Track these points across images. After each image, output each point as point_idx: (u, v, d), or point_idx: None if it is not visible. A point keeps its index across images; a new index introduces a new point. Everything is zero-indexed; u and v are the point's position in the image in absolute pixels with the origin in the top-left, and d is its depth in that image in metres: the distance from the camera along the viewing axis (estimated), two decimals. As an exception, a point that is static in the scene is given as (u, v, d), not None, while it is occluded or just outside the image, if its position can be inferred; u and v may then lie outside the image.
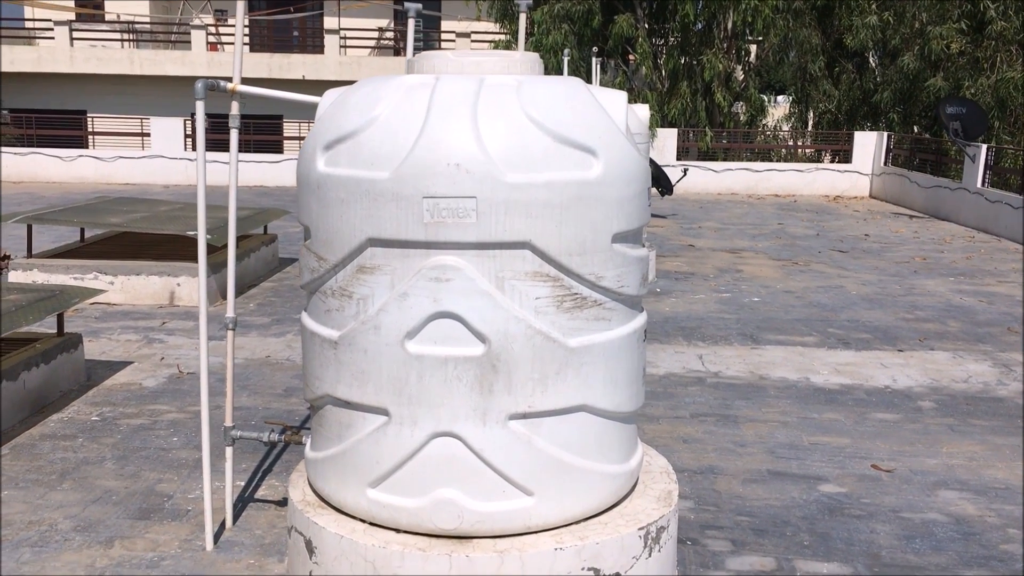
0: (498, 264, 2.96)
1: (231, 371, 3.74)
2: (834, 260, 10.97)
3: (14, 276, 7.69)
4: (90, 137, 20.23)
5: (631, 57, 21.31)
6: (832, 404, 5.66)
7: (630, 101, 18.12)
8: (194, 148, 19.30)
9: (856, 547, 3.83)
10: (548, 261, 2.99)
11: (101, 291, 5.59)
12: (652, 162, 15.03)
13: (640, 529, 3.21)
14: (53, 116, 21.29)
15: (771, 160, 20.60)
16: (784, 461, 4.74)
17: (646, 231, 11.74)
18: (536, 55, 3.34)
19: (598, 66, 11.03)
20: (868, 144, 18.99)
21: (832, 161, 20.18)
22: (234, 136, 3.55)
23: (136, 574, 3.43)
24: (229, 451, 3.78)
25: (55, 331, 5.54)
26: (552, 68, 16.70)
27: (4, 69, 26.16)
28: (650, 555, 3.26)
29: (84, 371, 5.64)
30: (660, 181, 14.77)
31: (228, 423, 3.75)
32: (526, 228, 2.94)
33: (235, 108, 3.52)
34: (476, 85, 3.03)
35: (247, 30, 27.86)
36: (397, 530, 3.14)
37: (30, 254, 7.95)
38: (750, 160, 20.26)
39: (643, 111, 9.23)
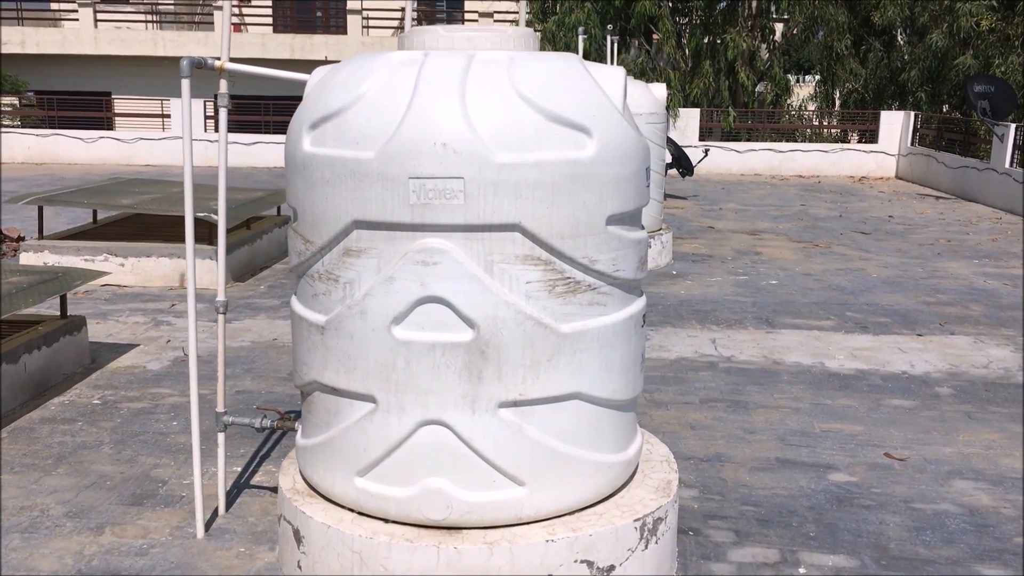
0: (487, 247, 2.86)
1: (223, 356, 3.67)
2: (856, 242, 10.77)
3: (25, 258, 7.68)
4: (115, 119, 20.28)
5: (655, 36, 21.05)
6: (846, 390, 5.52)
7: (652, 81, 17.94)
8: (216, 129, 19.32)
9: (864, 539, 3.71)
10: (539, 244, 2.88)
11: (103, 273, 5.54)
12: (672, 143, 14.84)
13: (636, 520, 3.12)
14: (78, 97, 21.31)
15: (795, 140, 20.30)
16: (794, 449, 4.62)
17: (664, 212, 11.59)
18: (530, 30, 3.22)
19: (615, 44, 10.83)
20: (895, 124, 18.65)
21: (859, 141, 19.85)
22: (223, 115, 3.47)
23: (123, 562, 3.38)
24: (221, 437, 3.71)
25: (59, 314, 5.49)
26: (574, 48, 16.49)
27: (29, 51, 26.27)
28: (646, 547, 3.16)
29: (88, 354, 5.60)
30: (681, 162, 14.59)
31: (220, 409, 3.68)
32: (516, 210, 2.83)
33: (223, 87, 3.43)
34: (465, 61, 2.92)
35: (270, 11, 27.82)
36: (386, 520, 3.07)
37: (41, 236, 7.94)
38: (774, 140, 19.97)
39: (660, 90, 9.07)
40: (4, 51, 26.43)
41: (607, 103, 3.01)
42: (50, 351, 5.16)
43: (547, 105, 2.85)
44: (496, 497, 3.00)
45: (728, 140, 19.70)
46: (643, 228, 3.31)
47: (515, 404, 2.95)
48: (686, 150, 16.69)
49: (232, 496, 3.92)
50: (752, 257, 9.71)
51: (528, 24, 20.24)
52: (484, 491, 2.99)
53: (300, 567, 3.19)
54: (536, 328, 2.92)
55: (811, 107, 22.45)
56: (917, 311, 7.47)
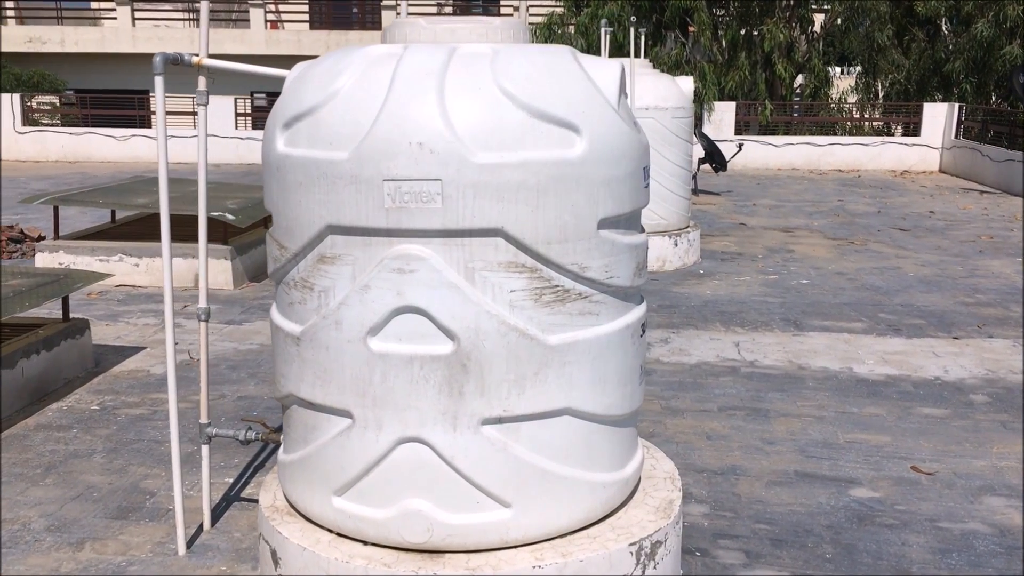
0: (467, 253, 2.67)
1: (205, 365, 3.53)
2: (894, 239, 10.42)
3: (40, 258, 7.63)
4: (151, 116, 20.37)
5: (690, 28, 20.69)
6: (875, 397, 5.26)
7: (686, 74, 17.63)
8: (249, 127, 19.32)
9: (884, 561, 3.47)
10: (524, 250, 2.69)
11: (106, 275, 5.44)
12: (705, 137, 14.54)
13: (632, 544, 2.91)
14: (116, 96, 21.44)
15: (835, 134, 19.84)
16: (815, 461, 4.38)
17: (695, 209, 11.33)
18: (519, 21, 3.03)
19: (641, 36, 10.57)
20: (938, 116, 18.16)
21: (904, 134, 19.34)
22: (202, 114, 3.31)
23: (100, 580, 3.25)
24: (205, 449, 3.57)
25: (61, 317, 5.40)
26: (612, 42, 16.20)
27: (69, 50, 26.54)
28: (644, 572, 2.96)
29: (92, 357, 5.51)
30: (714, 157, 14.28)
31: (204, 420, 3.54)
32: (498, 213, 2.64)
33: (202, 84, 3.27)
34: (446, 55, 2.73)
35: (306, 7, 27.84)
36: (364, 543, 2.89)
37: (57, 236, 7.88)
38: (813, 134, 19.54)
39: (686, 84, 8.81)
40: (44, 50, 26.75)
41: (599, 99, 2.80)
42: (50, 355, 5.06)
43: (532, 101, 2.66)
44: (480, 519, 2.81)
45: (765, 134, 19.32)
46: (642, 231, 3.10)
47: (499, 421, 2.76)
48: (721, 144, 16.37)
49: (221, 509, 3.78)
50: (784, 255, 9.42)
51: (561, 17, 20.00)
52: (467, 513, 2.80)
53: (279, 589, 3.03)
54: (521, 340, 2.72)
55: (851, 100, 21.93)
56: (954, 312, 7.15)
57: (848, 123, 20.92)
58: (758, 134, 19.27)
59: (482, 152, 2.60)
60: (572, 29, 19.95)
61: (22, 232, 9.01)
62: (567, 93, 2.73)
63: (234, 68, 3.30)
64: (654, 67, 18.16)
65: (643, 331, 3.11)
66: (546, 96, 2.68)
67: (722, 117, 18.55)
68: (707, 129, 18.38)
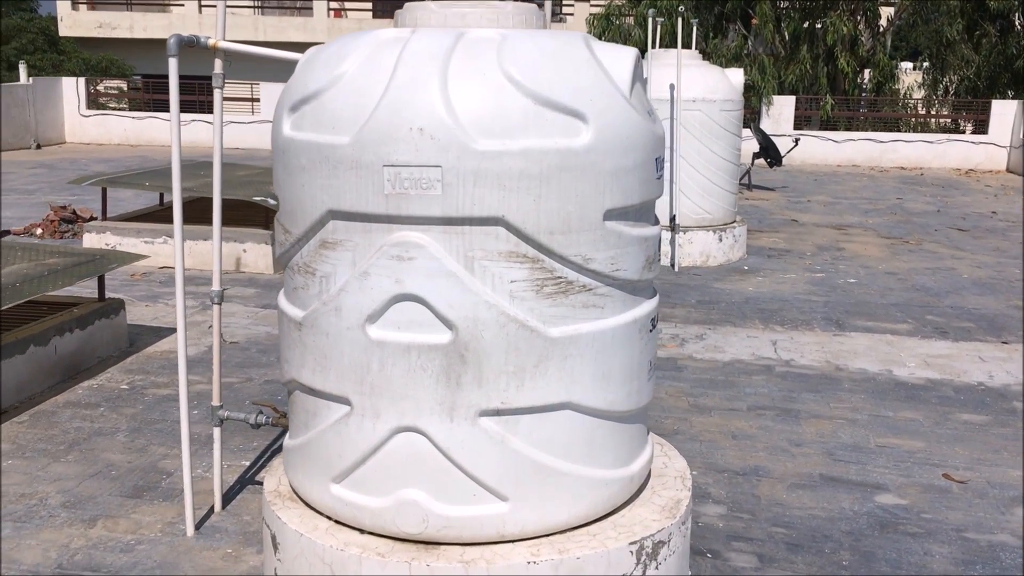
0: (467, 242, 2.62)
1: (218, 348, 3.54)
2: (951, 239, 10.13)
3: (88, 239, 7.77)
4: (210, 102, 20.65)
5: (753, 20, 20.35)
6: (912, 401, 5.10)
7: (745, 66, 17.32)
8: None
9: (903, 571, 3.36)
10: (525, 240, 2.63)
11: (141, 256, 5.50)
12: (760, 131, 14.30)
13: (632, 543, 2.85)
14: (188, 82, 21.80)
15: (899, 131, 19.37)
16: (842, 465, 4.25)
17: (748, 204, 11.15)
18: (533, 6, 2.96)
19: (692, 27, 10.41)
20: (1007, 114, 17.61)
21: (973, 132, 18.79)
22: (218, 96, 3.31)
23: (106, 558, 3.28)
24: (217, 432, 3.58)
25: (96, 296, 5.48)
26: (666, 33, 15.98)
27: (138, 36, 27.08)
28: (644, 572, 2.89)
29: (127, 337, 5.58)
30: (768, 151, 14.03)
31: (216, 403, 3.55)
32: (498, 202, 2.59)
33: (218, 66, 3.27)
34: (452, 40, 2.68)
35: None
36: (361, 530, 2.87)
37: (104, 217, 8.02)
38: (875, 130, 19.09)
39: (736, 76, 8.64)
40: (114, 35, 27.32)
41: (609, 87, 2.73)
42: (84, 334, 5.14)
43: (537, 88, 2.60)
44: (476, 512, 2.77)
45: (825, 129, 18.93)
46: (654, 224, 3.02)
47: (497, 413, 2.71)
48: (779, 139, 16.10)
49: (234, 492, 3.80)
50: (833, 253, 9.21)
51: (619, 8, 19.81)
52: (463, 505, 2.76)
53: (276, 574, 3.02)
54: (521, 331, 2.67)
55: (917, 95, 21.38)
56: (1006, 316, 6.92)
57: (913, 120, 20.41)
58: (818, 129, 18.89)
59: (483, 139, 2.55)
60: (632, 20, 19.78)
61: (74, 212, 9.19)
62: (575, 80, 2.67)
63: (249, 51, 3.29)
64: (705, 58, 17.96)
65: (653, 326, 3.03)
66: (552, 83, 2.62)
67: (780, 111, 18.22)
68: (765, 123, 18.08)
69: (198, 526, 3.50)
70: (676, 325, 6.47)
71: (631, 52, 2.87)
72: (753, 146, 14.55)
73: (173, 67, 3.10)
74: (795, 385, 5.32)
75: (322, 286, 2.80)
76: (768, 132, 16.55)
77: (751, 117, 18.42)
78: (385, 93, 2.61)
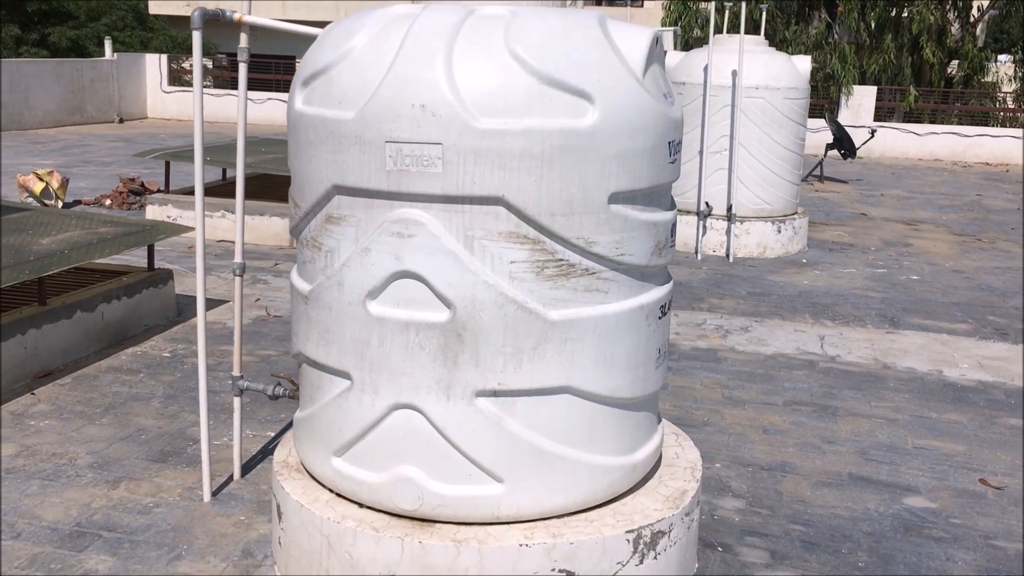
0: (467, 221, 2.61)
1: (239, 319, 3.60)
2: (1027, 239, 9.75)
3: (150, 211, 7.97)
4: (288, 81, 21.01)
5: (838, 8, 19.83)
6: (959, 403, 4.93)
7: (828, 55, 16.86)
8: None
9: (921, 574, 3.25)
10: (526, 220, 2.61)
11: (188, 228, 5.61)
12: (835, 122, 13.95)
13: (629, 532, 2.81)
14: (260, 60, 22.19)
15: (987, 125, 18.69)
16: (873, 465, 4.14)
17: (817, 196, 10.90)
18: (548, -16, 2.92)
19: (762, 14, 10.19)
20: (1101, 110, 16.85)
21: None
22: (243, 71, 3.35)
23: (123, 519, 3.37)
24: (236, 401, 3.65)
25: (146, 266, 5.62)
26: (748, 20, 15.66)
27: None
28: (642, 562, 2.85)
29: (175, 307, 5.71)
30: (843, 143, 13.69)
31: (236, 373, 3.61)
32: (499, 182, 2.57)
33: (243, 40, 3.31)
34: (461, 17, 2.66)
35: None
36: (360, 505, 2.89)
37: (167, 190, 8.21)
38: (961, 124, 18.46)
39: (803, 63, 8.42)
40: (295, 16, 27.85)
41: (620, 67, 2.68)
42: (132, 302, 5.28)
43: (542, 66, 2.56)
44: (471, 492, 2.76)
45: (908, 121, 18.38)
46: (669, 209, 2.96)
47: (494, 394, 2.70)
48: (858, 130, 15.69)
49: (256, 461, 3.87)
50: (899, 249, 8.95)
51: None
52: (458, 484, 2.76)
53: (280, 544, 3.07)
54: (519, 313, 2.65)
55: (1008, 88, 20.59)
56: (1073, 320, 6.63)
57: (1001, 114, 19.68)
58: (902, 121, 18.35)
59: (485, 118, 2.53)
60: (712, 5, 19.42)
61: (142, 185, 9.44)
62: (583, 60, 2.62)
63: (275, 26, 3.33)
64: (782, 46, 17.53)
65: (663, 313, 2.98)
66: (558, 62, 2.59)
67: (860, 102, 17.75)
68: (843, 114, 17.64)
69: (215, 493, 3.57)
70: (722, 316, 6.37)
71: (647, 33, 2.82)
72: (827, 137, 14.21)
73: (197, 40, 3.14)
74: (837, 382, 5.18)
75: (327, 260, 2.82)
76: (846, 123, 16.15)
77: (829, 107, 18.00)
78: (390, 69, 2.60)
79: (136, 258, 6.51)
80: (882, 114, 18.33)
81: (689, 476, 3.17)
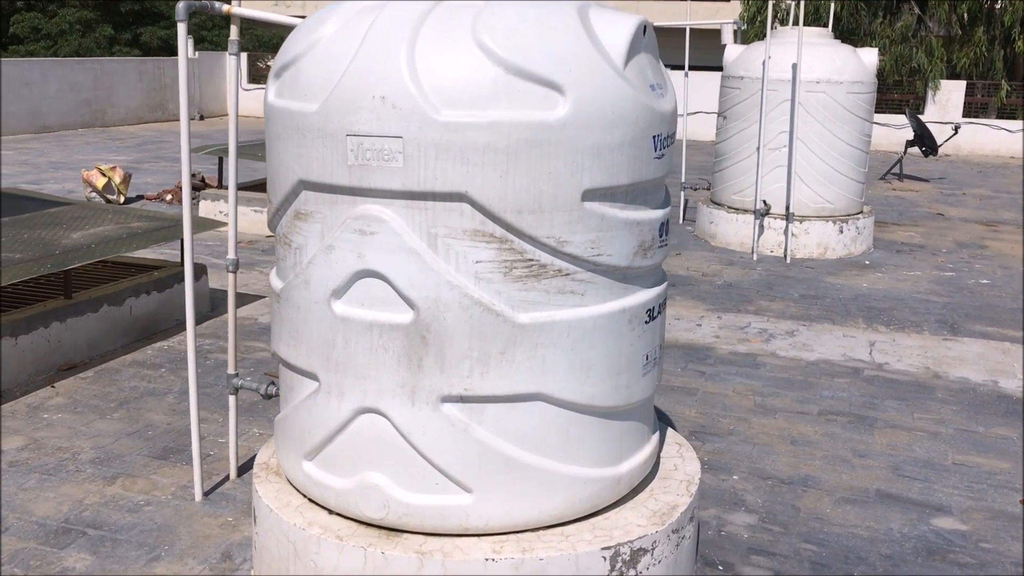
0: (430, 218, 2.49)
1: (233, 316, 3.55)
2: (1116, 242, 9.17)
3: (204, 206, 8.06)
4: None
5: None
6: (1011, 417, 4.61)
7: (913, 48, 16.19)
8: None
9: (937, 606, 3.01)
10: (491, 218, 2.48)
11: (220, 224, 5.63)
12: (916, 118, 13.40)
13: (606, 549, 2.66)
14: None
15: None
16: (905, 481, 3.88)
17: (892, 194, 10.47)
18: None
19: (842, 4, 9.80)
20: None
21: None
22: (232, 64, 3.29)
23: (111, 516, 3.35)
24: (232, 400, 3.60)
25: (178, 260, 5.65)
26: (824, 11, 15.15)
27: (309, 13, 27.99)
28: (620, 581, 2.69)
29: (208, 302, 5.73)
30: (924, 140, 13.13)
31: (231, 371, 3.56)
32: (461, 177, 2.44)
33: (234, 32, 3.25)
34: (431, 5, 2.54)
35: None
36: (330, 511, 2.80)
37: (220, 185, 8.30)
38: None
39: (869, 56, 8.06)
40: (289, 13, 28.38)
41: (595, 57, 2.52)
42: (162, 297, 5.31)
43: (510, 56, 2.43)
44: (438, 502, 2.64)
45: (1001, 117, 17.56)
46: (658, 207, 2.79)
47: (461, 400, 2.58)
48: (943, 126, 15.06)
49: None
50: (973, 251, 8.50)
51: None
52: (425, 493, 2.64)
53: (255, 548, 3.00)
54: (485, 315, 2.52)
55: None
56: None
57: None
58: (995, 117, 17.54)
59: (447, 110, 2.41)
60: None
61: (203, 180, 9.57)
62: (554, 49, 2.48)
63: (265, 17, 3.26)
64: (864, 39, 16.90)
65: (651, 317, 2.81)
66: (527, 52, 2.44)
67: (948, 97, 17.04)
68: (930, 109, 16.96)
69: (207, 493, 3.53)
70: (768, 320, 6.11)
71: (632, 21, 2.65)
72: (908, 134, 13.66)
73: (182, 32, 3.09)
74: (880, 391, 4.90)
75: (296, 258, 2.73)
76: (932, 120, 15.52)
77: (915, 103, 17.33)
78: (353, 59, 2.50)
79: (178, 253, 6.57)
80: (973, 110, 17.55)
81: (683, 490, 3.00)
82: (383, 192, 2.49)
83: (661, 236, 2.82)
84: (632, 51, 2.62)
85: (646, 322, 2.80)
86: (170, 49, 24.33)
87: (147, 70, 17.95)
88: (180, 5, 3.06)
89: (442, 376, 2.56)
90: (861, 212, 8.30)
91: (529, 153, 2.44)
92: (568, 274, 2.58)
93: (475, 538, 2.67)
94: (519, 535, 2.69)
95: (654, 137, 2.67)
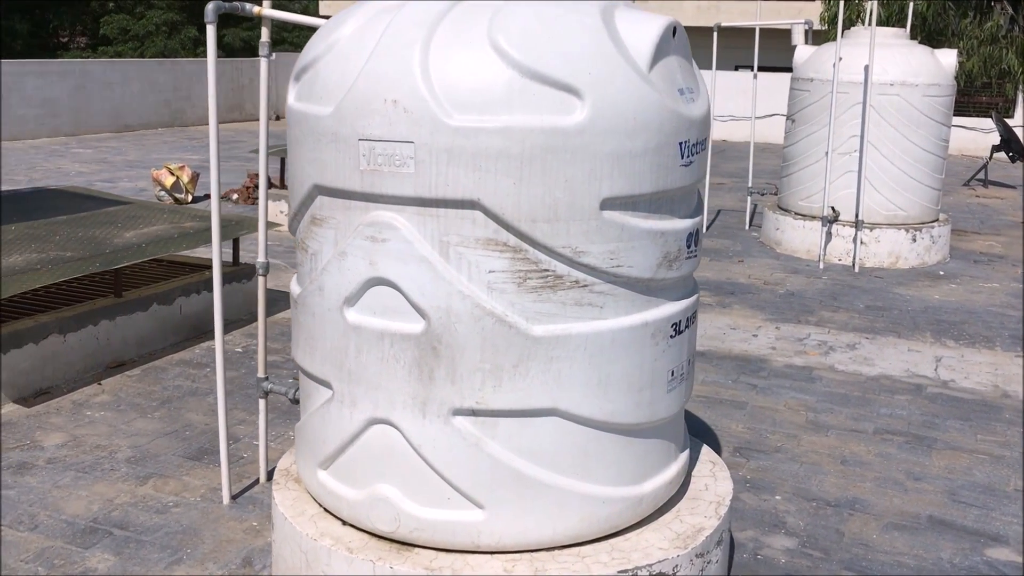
0: (442, 226, 2.42)
1: (263, 319, 3.53)
2: None
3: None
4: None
5: None
6: (1084, 441, 4.34)
7: (1000, 49, 15.57)
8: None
9: (984, 645, 2.83)
10: (504, 226, 2.39)
11: (274, 225, 5.65)
12: (1002, 123, 12.88)
13: (623, 572, 2.55)
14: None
15: None
16: (961, 508, 3.67)
17: (976, 202, 10.06)
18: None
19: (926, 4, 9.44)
20: None
21: None
22: (264, 66, 3.27)
23: (139, 517, 3.36)
24: (262, 404, 3.58)
25: (231, 260, 5.70)
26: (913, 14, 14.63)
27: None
28: (637, 606, 2.58)
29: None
30: (1010, 144, 12.60)
31: (261, 374, 3.55)
32: (473, 184, 2.36)
33: (265, 34, 3.22)
34: (448, 6, 2.47)
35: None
36: (344, 521, 2.75)
37: (282, 185, 8.37)
38: None
39: (948, 57, 7.73)
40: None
41: (618, 60, 2.42)
42: (212, 296, 5.33)
43: (525, 59, 2.34)
44: (449, 517, 2.57)
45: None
46: (686, 216, 2.67)
47: (473, 413, 2.50)
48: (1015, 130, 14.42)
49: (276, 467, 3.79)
50: (1056, 262, 8.10)
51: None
52: (436, 508, 2.57)
53: (273, 554, 2.97)
54: (498, 327, 2.43)
55: None
56: None
57: None
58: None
59: (459, 114, 2.34)
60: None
61: (268, 179, 9.68)
62: (573, 52, 2.38)
63: (295, 19, 3.23)
64: (949, 39, 16.30)
65: (677, 331, 2.69)
66: (544, 54, 2.35)
67: (1041, 100, 16.31)
68: (1020, 114, 16.29)
69: (236, 496, 3.52)
70: (829, 331, 5.89)
71: (659, 22, 2.54)
72: (994, 138, 13.14)
73: (211, 35, 3.07)
74: (943, 410, 4.67)
75: (312, 264, 2.69)
76: (1021, 124, 14.89)
77: (1003, 106, 16.66)
78: (367, 62, 2.44)
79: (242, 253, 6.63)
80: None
81: (712, 512, 2.87)
82: (394, 198, 2.43)
83: (690, 246, 2.70)
84: (659, 53, 2.51)
85: (672, 336, 2.68)
86: (251, 50, 24.80)
87: (225, 71, 18.30)
88: (209, 6, 3.04)
89: (453, 388, 2.49)
90: (937, 220, 7.97)
91: (544, 160, 2.35)
92: (586, 285, 2.48)
93: (487, 556, 2.59)
94: (533, 554, 2.61)
95: (681, 143, 2.55)
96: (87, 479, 3.63)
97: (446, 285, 2.43)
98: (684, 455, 2.95)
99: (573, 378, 2.50)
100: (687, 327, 2.76)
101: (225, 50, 25.81)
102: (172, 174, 9.19)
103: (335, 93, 2.50)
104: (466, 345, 2.45)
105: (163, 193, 9.23)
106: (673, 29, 2.59)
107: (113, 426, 4.11)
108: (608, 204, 2.43)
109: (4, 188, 9.66)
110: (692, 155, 2.61)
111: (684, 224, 2.65)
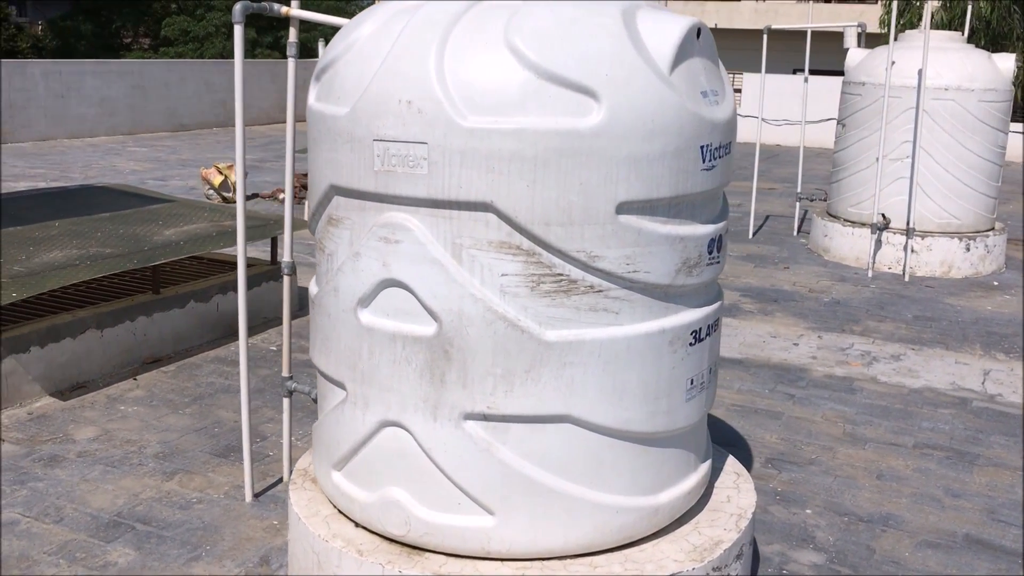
0: (455, 228, 2.39)
1: (288, 319, 3.54)
2: None
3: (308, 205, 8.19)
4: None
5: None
6: None
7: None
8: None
9: (1015, 671, 2.72)
10: (518, 229, 2.36)
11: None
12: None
13: (635, 584, 2.50)
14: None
15: None
16: (999, 527, 3.54)
17: (1020, 209, 9.77)
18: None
19: (975, 5, 9.20)
20: None
21: None
22: (291, 65, 3.27)
23: (163, 512, 3.38)
24: (286, 403, 3.58)
25: (269, 259, 5.73)
26: (974, 14, 14.27)
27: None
28: (650, 619, 2.53)
29: (297, 300, 5.77)
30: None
31: (286, 373, 3.55)
32: (487, 186, 2.33)
33: (292, 35, 3.23)
34: (465, 7, 2.44)
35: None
36: (357, 523, 2.73)
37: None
38: None
39: (1005, 62, 7.51)
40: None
41: (636, 62, 2.37)
42: (250, 294, 5.34)
43: (541, 60, 2.30)
44: (460, 522, 2.54)
45: None
46: (709, 221, 2.60)
47: (484, 418, 2.47)
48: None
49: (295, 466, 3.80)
50: (1118, 274, 7.82)
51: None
52: (446, 513, 2.55)
53: (289, 554, 2.97)
54: (510, 331, 2.40)
55: None
56: None
57: None
58: None
59: (473, 115, 2.31)
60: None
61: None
62: (589, 53, 2.34)
63: (322, 19, 3.23)
64: (1002, 44, 15.86)
65: (696, 339, 2.63)
66: (560, 55, 2.32)
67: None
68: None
69: (258, 494, 3.53)
70: (874, 341, 5.75)
71: (682, 23, 2.48)
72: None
73: (239, 34, 3.08)
74: (988, 425, 4.52)
75: (328, 264, 2.68)
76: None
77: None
78: (383, 62, 2.43)
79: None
80: None
81: (732, 524, 2.80)
82: (408, 200, 2.40)
83: (711, 253, 2.63)
84: (681, 55, 2.45)
85: (691, 344, 2.62)
86: (309, 52, 25.06)
87: (279, 72, 18.48)
88: (237, 6, 3.05)
89: (465, 392, 2.46)
90: (992, 229, 7.75)
91: (559, 162, 2.31)
92: (601, 291, 2.43)
93: (497, 562, 2.56)
94: (544, 562, 2.57)
95: (702, 147, 2.49)
96: (115, 473, 3.66)
97: (458, 288, 2.40)
98: (705, 466, 2.89)
99: (587, 385, 2.46)
100: (708, 335, 2.69)
101: (281, 52, 26.12)
102: (221, 173, 9.31)
103: (352, 93, 2.48)
104: (478, 349, 2.42)
105: (212, 191, 9.36)
106: (698, 30, 2.53)
107: (145, 421, 4.15)
108: (624, 208, 2.38)
109: (54, 185, 9.87)
110: (715, 159, 2.55)
111: (705, 229, 2.59)
